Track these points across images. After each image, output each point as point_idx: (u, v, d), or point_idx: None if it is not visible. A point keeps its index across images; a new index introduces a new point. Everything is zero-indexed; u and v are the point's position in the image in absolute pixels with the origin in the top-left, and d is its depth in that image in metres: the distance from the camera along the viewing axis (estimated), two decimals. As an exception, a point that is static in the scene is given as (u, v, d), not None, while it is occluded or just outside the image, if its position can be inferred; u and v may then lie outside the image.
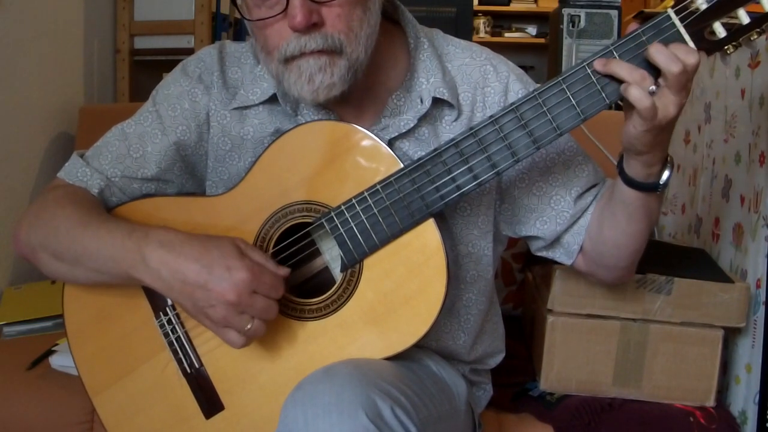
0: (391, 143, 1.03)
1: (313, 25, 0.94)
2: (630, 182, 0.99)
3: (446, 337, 1.15)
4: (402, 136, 1.06)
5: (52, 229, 1.03)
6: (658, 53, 0.88)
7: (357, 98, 1.05)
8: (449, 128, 1.07)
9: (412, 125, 1.05)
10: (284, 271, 0.97)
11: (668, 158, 0.99)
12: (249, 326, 0.94)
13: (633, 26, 0.91)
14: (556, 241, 1.13)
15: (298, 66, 0.96)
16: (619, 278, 1.17)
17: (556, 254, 1.14)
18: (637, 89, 0.89)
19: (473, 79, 1.09)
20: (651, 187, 0.99)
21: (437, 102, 1.06)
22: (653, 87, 0.89)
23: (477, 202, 1.10)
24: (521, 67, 1.15)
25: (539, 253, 1.16)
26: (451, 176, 0.96)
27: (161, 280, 0.95)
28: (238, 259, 0.93)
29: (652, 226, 1.08)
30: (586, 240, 1.11)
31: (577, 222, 1.11)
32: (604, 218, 1.07)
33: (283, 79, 0.98)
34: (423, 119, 1.06)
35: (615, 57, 0.91)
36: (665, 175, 0.99)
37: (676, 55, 0.88)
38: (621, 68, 0.90)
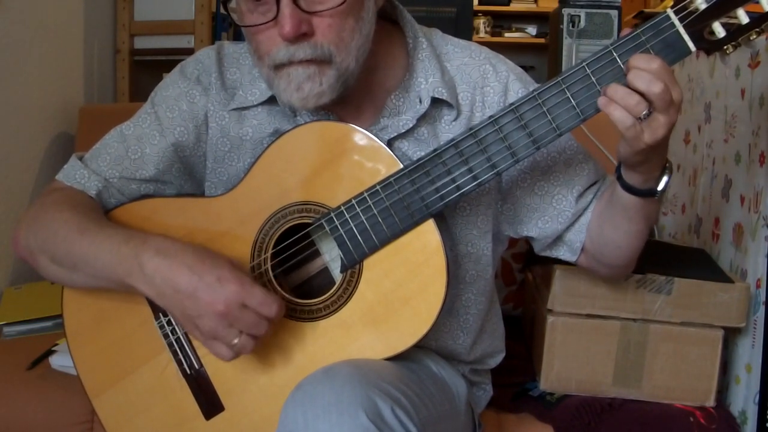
0: (390, 143, 1.03)
1: (303, 35, 0.93)
2: (628, 188, 1.00)
3: (446, 337, 1.15)
4: (401, 136, 1.06)
5: (51, 233, 1.03)
6: (636, 78, 0.88)
7: (356, 99, 1.05)
8: (448, 128, 1.07)
9: (411, 125, 1.05)
10: (279, 302, 0.94)
11: (667, 164, 0.99)
12: (236, 340, 0.93)
13: (628, 31, 0.91)
14: (558, 239, 1.14)
15: (288, 74, 0.96)
16: (618, 275, 1.19)
17: (560, 252, 1.15)
18: (621, 110, 0.89)
19: (472, 78, 1.09)
20: (649, 193, 1.00)
21: (436, 102, 1.06)
22: (646, 112, 0.88)
23: (476, 201, 1.10)
24: (521, 67, 1.15)
25: (543, 253, 1.17)
26: (450, 177, 0.96)
27: (155, 287, 0.95)
28: (230, 271, 0.93)
29: (652, 226, 1.08)
30: (586, 239, 1.12)
31: (578, 220, 1.12)
32: (604, 220, 1.08)
33: (273, 84, 0.99)
34: (422, 119, 1.06)
35: (614, 57, 0.91)
36: (663, 181, 0.99)
37: (653, 75, 0.87)
38: (616, 92, 0.89)
